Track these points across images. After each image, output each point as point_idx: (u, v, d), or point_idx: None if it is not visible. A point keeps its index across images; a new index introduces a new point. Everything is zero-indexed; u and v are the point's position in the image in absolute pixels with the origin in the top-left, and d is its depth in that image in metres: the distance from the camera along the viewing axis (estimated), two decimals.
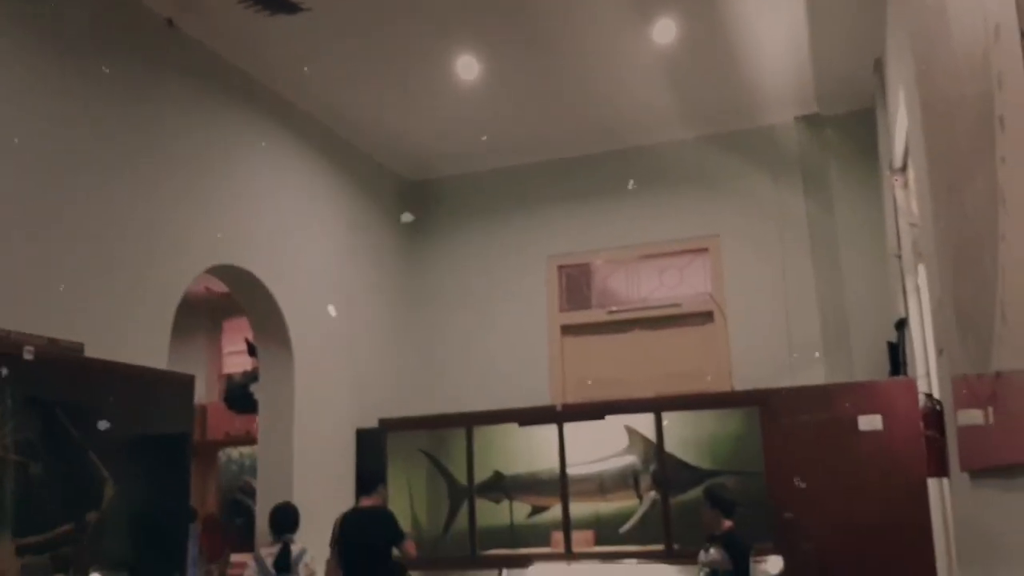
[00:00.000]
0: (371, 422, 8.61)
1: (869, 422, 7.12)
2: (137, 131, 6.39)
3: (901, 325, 7.05)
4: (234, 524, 12.01)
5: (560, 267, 9.63)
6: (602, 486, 8.22)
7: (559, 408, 8.31)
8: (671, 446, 7.90)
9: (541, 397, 8.98)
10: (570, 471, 8.04)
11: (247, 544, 9.05)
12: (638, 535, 7.92)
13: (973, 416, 3.28)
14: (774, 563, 6.98)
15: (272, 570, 6.46)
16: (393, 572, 6.50)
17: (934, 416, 5.19)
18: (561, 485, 7.99)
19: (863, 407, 7.16)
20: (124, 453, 5.42)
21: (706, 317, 9.05)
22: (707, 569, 6.13)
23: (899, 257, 6.80)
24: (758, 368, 8.40)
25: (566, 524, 7.93)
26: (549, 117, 8.82)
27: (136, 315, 6.14)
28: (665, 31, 7.28)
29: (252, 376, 9.02)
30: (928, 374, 6.09)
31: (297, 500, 7.15)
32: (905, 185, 6.43)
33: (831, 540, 6.97)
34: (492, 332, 9.56)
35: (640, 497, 8.06)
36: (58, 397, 5.02)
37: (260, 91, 7.79)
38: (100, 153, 6.03)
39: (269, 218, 7.74)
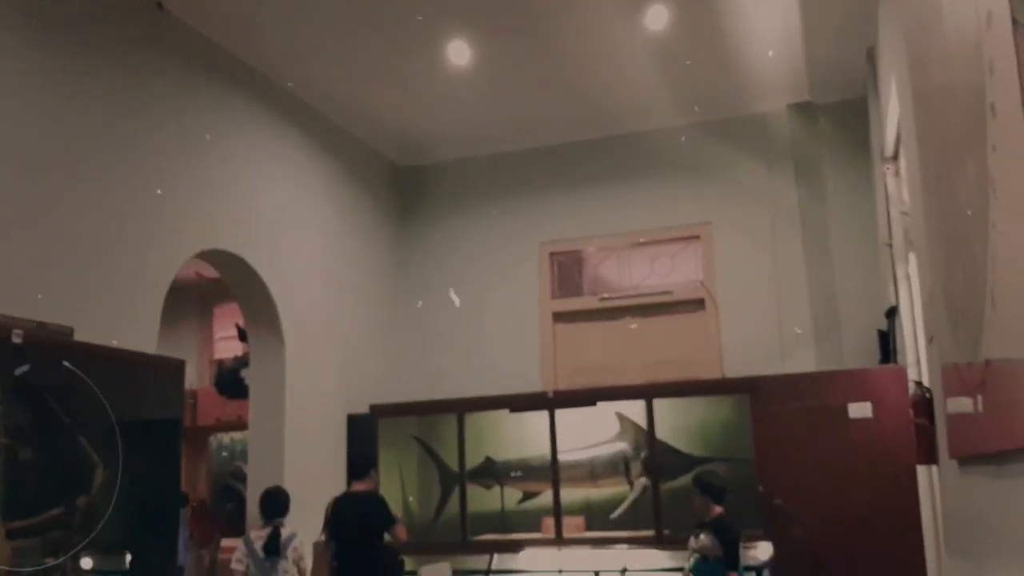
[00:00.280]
0: (362, 408, 8.61)
1: (859, 410, 7.16)
2: (127, 116, 6.35)
3: (892, 313, 7.08)
4: (225, 509, 12.02)
5: (552, 254, 9.63)
6: (593, 472, 8.25)
7: (550, 395, 8.32)
8: (662, 433, 7.92)
9: (532, 384, 8.99)
10: (561, 457, 8.06)
11: (238, 529, 9.05)
12: (629, 521, 7.96)
13: (963, 404, 3.30)
14: (764, 549, 7.02)
15: (261, 553, 6.46)
16: (384, 556, 6.52)
17: (924, 404, 5.21)
18: (552, 471, 8.02)
19: (853, 395, 7.19)
20: (114, 438, 5.41)
21: (697, 305, 9.07)
22: (697, 555, 6.16)
23: (890, 246, 6.82)
24: (749, 355, 8.42)
25: (557, 510, 7.96)
26: (541, 103, 8.80)
27: (126, 299, 6.12)
28: (658, 18, 7.26)
29: (243, 361, 9.01)
30: (918, 362, 6.12)
31: (288, 485, 7.15)
32: (897, 174, 6.44)
33: (820, 527, 7.01)
34: (484, 318, 9.55)
35: (631, 483, 8.09)
36: (47, 381, 5.00)
37: (251, 76, 7.75)
38: (90, 137, 5.99)
39: (260, 203, 7.71)
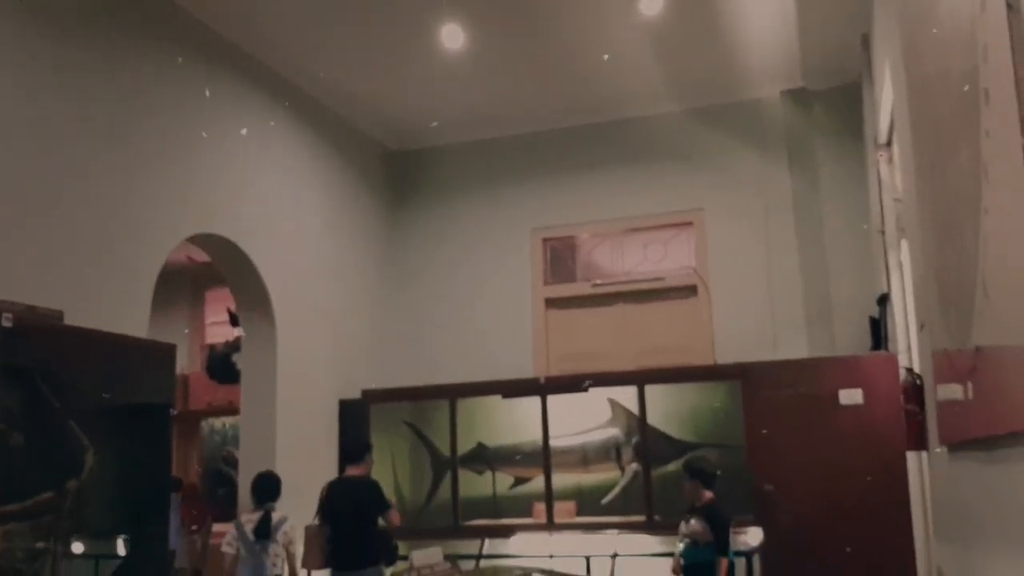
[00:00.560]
0: (354, 393, 8.61)
1: (850, 396, 7.18)
2: (118, 100, 6.31)
3: (883, 300, 7.09)
4: (216, 494, 12.03)
5: (545, 240, 9.61)
6: (584, 458, 8.27)
7: (542, 380, 8.33)
8: (653, 419, 7.94)
9: (525, 370, 9.00)
10: (553, 443, 8.08)
11: (229, 514, 9.04)
12: (619, 506, 7.98)
13: (953, 391, 3.31)
14: (754, 534, 7.05)
15: (252, 537, 6.46)
16: (378, 541, 6.53)
17: (914, 390, 5.23)
18: (544, 457, 8.03)
19: (844, 381, 7.21)
20: (105, 422, 5.40)
21: (690, 291, 9.07)
22: (688, 540, 6.18)
23: (883, 233, 6.82)
24: (740, 342, 8.44)
25: (548, 495, 7.98)
26: (534, 89, 8.77)
27: (116, 283, 6.09)
28: (652, 3, 7.23)
29: (234, 346, 9.00)
30: (909, 349, 6.14)
31: (279, 470, 7.15)
32: (890, 161, 6.44)
33: (811, 512, 7.04)
34: (476, 304, 9.55)
35: (622, 469, 8.11)
36: (37, 365, 4.98)
37: (243, 60, 7.71)
38: (80, 122, 5.96)
39: (252, 188, 7.68)
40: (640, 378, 7.97)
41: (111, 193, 6.15)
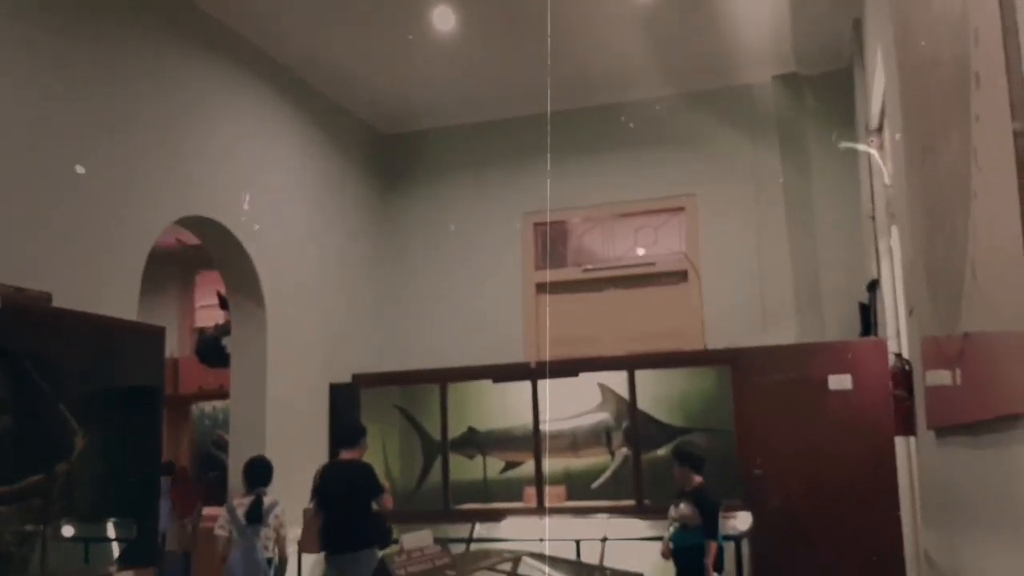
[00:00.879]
0: (344, 377, 8.60)
1: (839, 381, 7.20)
2: (106, 80, 6.27)
3: (873, 286, 7.10)
4: (207, 478, 12.03)
5: (536, 224, 9.60)
6: (575, 442, 8.28)
7: (533, 365, 8.33)
8: (644, 403, 7.95)
9: (515, 354, 9.00)
10: (543, 427, 8.08)
11: (219, 498, 9.05)
12: (610, 491, 8.00)
13: (941, 376, 3.32)
14: (743, 519, 7.07)
15: (244, 520, 6.49)
16: (371, 524, 6.54)
17: (903, 376, 5.26)
18: (535, 441, 8.04)
19: (833, 367, 7.23)
20: (94, 405, 5.39)
21: (680, 276, 9.08)
22: (677, 524, 6.20)
23: (873, 218, 6.83)
24: (731, 327, 8.45)
25: (539, 479, 7.99)
26: (526, 71, 8.73)
27: (105, 265, 6.07)
28: None
29: (224, 329, 8.97)
30: (898, 335, 6.16)
31: (270, 454, 7.15)
32: (881, 146, 6.44)
33: (799, 497, 7.07)
34: (467, 289, 9.54)
35: (612, 453, 8.13)
36: (26, 347, 4.96)
37: (233, 40, 7.66)
38: (67, 105, 5.91)
39: (242, 170, 7.65)
40: (630, 363, 7.98)
41: (99, 175, 6.11)
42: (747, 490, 7.20)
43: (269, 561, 6.55)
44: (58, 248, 5.68)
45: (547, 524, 7.86)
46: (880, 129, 6.38)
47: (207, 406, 13.29)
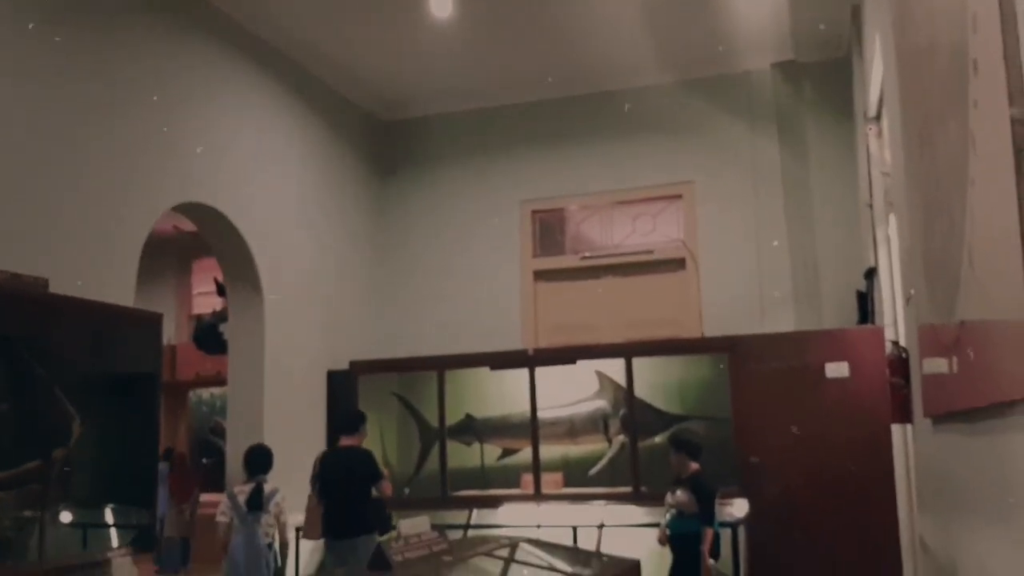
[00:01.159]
0: (342, 364, 8.61)
1: (836, 369, 7.21)
2: (103, 67, 6.25)
3: (870, 274, 7.11)
4: (204, 464, 12.06)
5: (534, 212, 9.59)
6: (572, 430, 8.29)
7: (531, 352, 8.34)
8: (641, 391, 7.96)
9: (513, 341, 9.00)
10: (541, 415, 8.10)
11: (217, 484, 9.07)
12: (606, 478, 8.02)
13: (938, 364, 3.32)
14: (740, 506, 7.09)
15: (245, 508, 6.53)
16: (371, 510, 6.56)
17: (900, 363, 5.27)
18: (532, 428, 8.05)
19: (831, 354, 7.24)
20: (92, 391, 5.39)
21: (678, 264, 9.07)
22: (674, 510, 6.22)
23: (871, 206, 6.83)
24: (728, 315, 8.45)
25: (536, 466, 8.01)
26: (525, 59, 8.72)
27: (102, 251, 6.06)
28: None
29: (222, 316, 8.97)
30: (895, 323, 6.16)
31: (267, 440, 7.17)
32: (879, 135, 6.43)
33: (796, 484, 7.09)
34: (465, 276, 9.54)
35: (609, 441, 8.15)
36: (23, 333, 4.95)
37: (230, 26, 7.63)
38: (66, 89, 5.90)
39: (238, 156, 7.63)
40: (628, 350, 7.98)
41: (96, 161, 6.11)
42: (744, 477, 7.22)
43: (269, 546, 6.59)
44: (55, 234, 5.67)
45: (544, 511, 7.88)
46: (878, 117, 6.37)
47: (205, 393, 13.31)
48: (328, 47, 8.35)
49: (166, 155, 6.77)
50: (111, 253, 6.15)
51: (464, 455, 8.60)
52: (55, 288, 5.40)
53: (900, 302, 5.64)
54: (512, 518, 7.93)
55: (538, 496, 7.96)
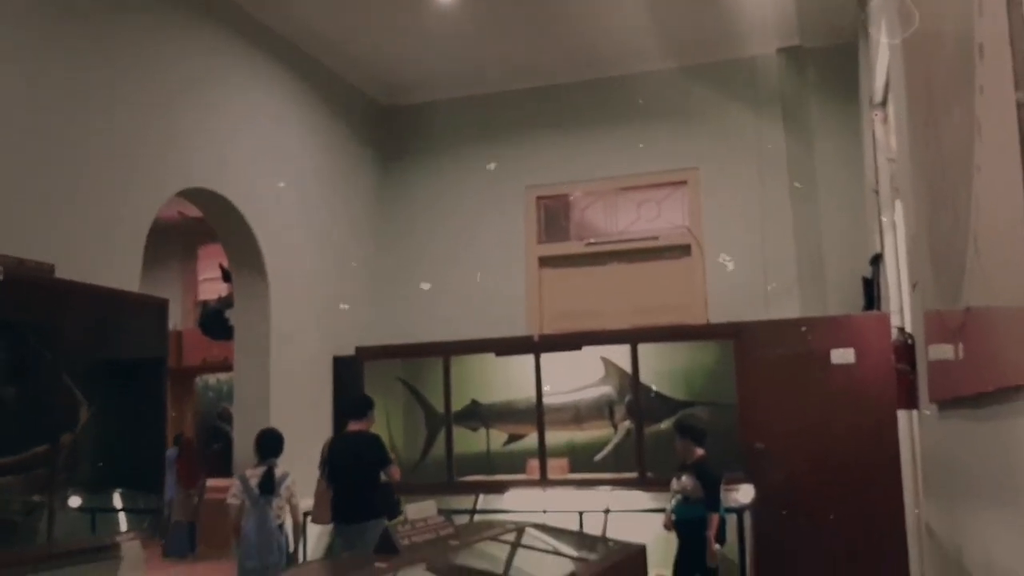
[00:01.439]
0: (348, 350, 8.62)
1: (841, 355, 7.19)
2: (108, 53, 6.25)
3: (876, 261, 7.09)
4: (211, 450, 12.11)
5: (539, 198, 9.58)
6: (577, 416, 8.29)
7: (536, 338, 8.34)
8: (646, 377, 7.96)
9: (518, 327, 9.00)
10: (546, 400, 8.10)
11: (223, 469, 9.10)
12: (612, 463, 8.03)
13: (944, 350, 3.32)
14: (745, 491, 7.10)
15: (257, 491, 6.57)
16: (379, 494, 6.59)
17: (906, 350, 5.26)
18: (537, 414, 8.06)
19: (836, 341, 7.22)
20: (99, 377, 5.41)
21: (683, 250, 9.06)
22: (679, 496, 6.23)
23: (876, 193, 6.81)
24: (733, 301, 8.45)
25: (542, 452, 8.02)
26: (529, 44, 8.69)
27: (108, 237, 6.08)
28: None
29: (227, 302, 8.99)
30: (901, 309, 6.15)
31: (274, 425, 7.18)
32: (885, 120, 6.41)
33: (802, 470, 7.09)
34: (470, 262, 9.53)
35: (615, 427, 8.15)
36: (29, 318, 4.97)
37: (234, 12, 7.62)
38: (70, 74, 5.90)
39: (242, 142, 7.63)
40: (633, 337, 7.97)
41: (101, 147, 6.11)
42: (749, 463, 7.22)
43: (280, 528, 6.65)
44: (60, 220, 5.68)
45: (550, 496, 7.90)
46: (884, 103, 6.34)
47: (211, 378, 13.36)
48: (333, 33, 8.33)
49: (171, 141, 6.78)
50: (116, 239, 6.17)
51: (470, 441, 8.61)
52: (61, 274, 5.41)
53: (906, 288, 5.63)
54: (518, 503, 7.95)
55: (544, 481, 7.97)
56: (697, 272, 8.90)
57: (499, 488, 8.12)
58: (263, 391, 7.70)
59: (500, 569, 4.90)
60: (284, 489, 6.71)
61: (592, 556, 5.27)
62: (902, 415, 6.47)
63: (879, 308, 7.13)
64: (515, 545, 5.28)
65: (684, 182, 9.14)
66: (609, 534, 6.77)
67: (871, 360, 7.03)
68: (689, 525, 6.14)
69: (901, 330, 5.66)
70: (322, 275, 8.60)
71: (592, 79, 9.36)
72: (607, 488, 7.76)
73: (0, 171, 5.30)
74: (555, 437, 8.22)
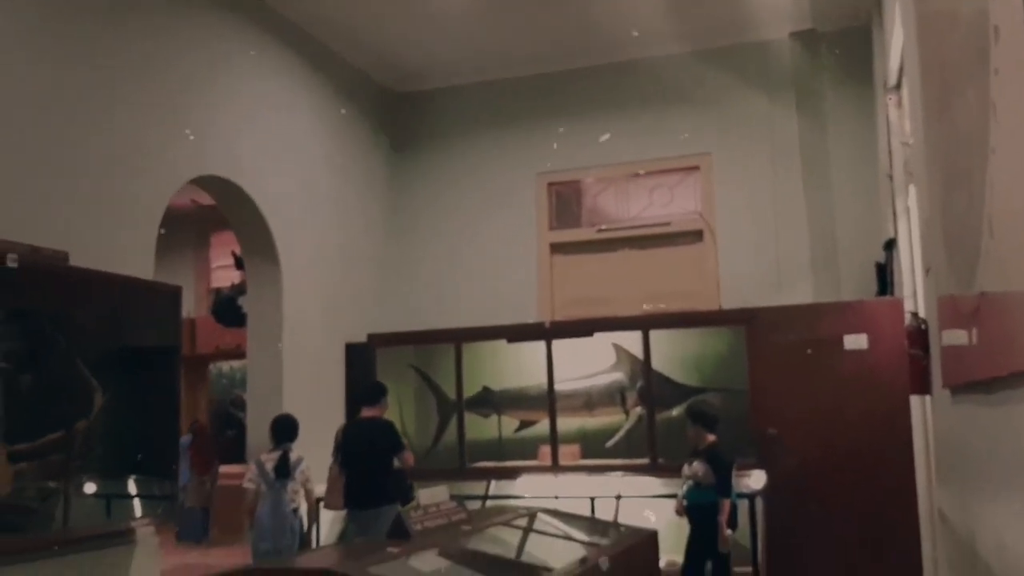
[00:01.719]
0: (360, 337, 8.63)
1: (854, 341, 7.16)
2: (120, 40, 6.26)
3: (890, 246, 7.06)
4: (225, 436, 12.17)
5: (550, 184, 9.56)
6: (589, 402, 8.30)
7: (548, 325, 8.34)
8: (658, 363, 7.95)
9: (530, 314, 9.01)
10: (558, 387, 8.11)
11: (237, 456, 9.14)
12: (623, 449, 8.03)
13: (957, 335, 3.31)
14: (757, 477, 7.10)
15: (272, 475, 6.63)
16: (392, 480, 6.62)
17: (919, 335, 5.24)
18: (549, 400, 8.07)
19: (849, 326, 7.20)
20: (113, 364, 5.43)
21: (695, 236, 9.04)
22: (691, 482, 6.24)
23: (891, 177, 6.77)
24: (746, 287, 8.43)
25: (553, 438, 8.03)
26: (540, 29, 8.66)
27: (121, 224, 6.10)
28: None
29: (240, 289, 9.02)
30: (915, 294, 6.13)
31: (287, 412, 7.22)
32: (899, 104, 6.37)
33: (814, 456, 7.08)
34: (481, 248, 9.54)
35: (626, 413, 8.15)
36: (44, 306, 5.00)
37: (251, 1, 7.62)
38: (83, 62, 5.92)
39: (255, 129, 7.64)
40: (645, 323, 7.96)
41: (114, 135, 6.13)
42: (761, 449, 7.21)
43: (295, 512, 6.70)
44: (74, 208, 5.71)
45: (562, 482, 7.91)
46: (898, 86, 6.30)
47: (224, 365, 13.41)
48: (344, 20, 8.31)
49: (183, 128, 6.79)
50: (130, 227, 6.19)
51: (482, 427, 8.63)
52: (75, 261, 5.43)
53: (919, 273, 5.61)
54: (530, 489, 7.96)
55: (555, 467, 7.98)
56: (709, 258, 8.88)
57: (511, 474, 8.14)
58: (276, 378, 7.74)
59: (512, 554, 4.92)
60: (299, 473, 6.79)
61: (604, 541, 5.28)
62: (915, 401, 6.45)
63: (892, 293, 7.10)
64: (527, 530, 5.29)
65: (696, 168, 9.11)
66: (621, 520, 6.79)
67: (884, 346, 7.00)
68: (701, 511, 6.14)
69: (914, 315, 5.64)
70: (334, 262, 8.62)
71: (604, 64, 9.32)
72: (619, 474, 7.76)
73: (15, 159, 5.33)
74: (567, 423, 8.23)
